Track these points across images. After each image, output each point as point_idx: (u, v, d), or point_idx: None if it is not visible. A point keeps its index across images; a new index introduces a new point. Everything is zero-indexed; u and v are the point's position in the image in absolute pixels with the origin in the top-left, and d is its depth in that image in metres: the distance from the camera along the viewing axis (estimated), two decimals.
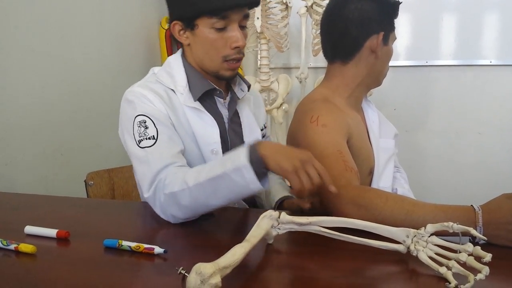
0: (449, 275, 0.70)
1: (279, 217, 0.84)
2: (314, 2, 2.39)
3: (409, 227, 0.88)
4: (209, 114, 1.17)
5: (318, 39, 2.34)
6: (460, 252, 0.73)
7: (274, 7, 2.41)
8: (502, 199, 0.87)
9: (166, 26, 2.71)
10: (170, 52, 2.78)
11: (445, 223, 0.75)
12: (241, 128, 1.27)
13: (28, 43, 1.77)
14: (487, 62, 2.55)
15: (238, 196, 0.94)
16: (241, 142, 1.26)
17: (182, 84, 1.17)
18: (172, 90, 1.17)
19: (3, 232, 0.95)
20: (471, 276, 0.67)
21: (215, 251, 0.87)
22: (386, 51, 1.26)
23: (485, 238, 0.76)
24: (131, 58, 2.48)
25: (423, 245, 0.76)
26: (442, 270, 0.71)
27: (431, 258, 0.74)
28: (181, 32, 1.16)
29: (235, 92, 1.26)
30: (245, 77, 1.92)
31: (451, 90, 2.64)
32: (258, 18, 2.37)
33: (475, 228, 0.85)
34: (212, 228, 1.01)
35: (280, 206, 1.26)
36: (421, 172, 2.69)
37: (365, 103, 1.38)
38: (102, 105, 2.13)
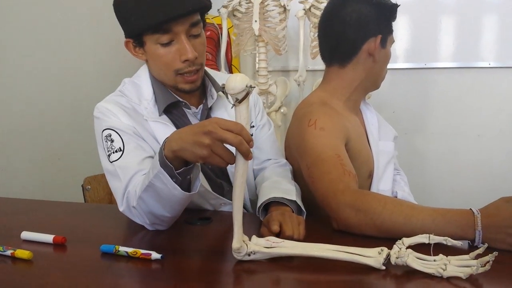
0: (451, 270, 0.71)
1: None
2: (312, 5, 2.39)
3: (408, 231, 0.88)
4: (173, 128, 1.14)
5: (316, 42, 2.33)
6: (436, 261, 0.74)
7: (272, 10, 2.41)
8: (501, 202, 0.87)
9: None
10: None
11: (422, 235, 0.77)
12: None
13: (25, 48, 1.77)
14: (485, 64, 2.54)
15: (176, 203, 0.91)
16: None
17: (147, 98, 1.15)
18: (137, 104, 1.15)
19: None
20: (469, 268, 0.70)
21: (212, 256, 0.87)
22: (384, 54, 1.25)
23: (461, 242, 0.78)
24: (129, 62, 2.46)
25: (406, 255, 0.74)
26: (440, 270, 0.71)
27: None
28: (136, 49, 1.14)
29: (207, 100, 1.22)
30: None
31: (450, 93, 2.64)
32: (256, 21, 2.36)
33: (474, 232, 0.84)
34: (209, 233, 1.01)
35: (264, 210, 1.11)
36: (420, 174, 2.68)
37: (363, 106, 1.38)
38: None
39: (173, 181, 0.86)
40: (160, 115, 1.14)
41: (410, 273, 0.74)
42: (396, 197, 1.35)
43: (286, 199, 1.07)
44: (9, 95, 1.69)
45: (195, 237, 0.97)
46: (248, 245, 0.79)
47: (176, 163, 0.85)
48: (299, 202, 1.10)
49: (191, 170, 0.90)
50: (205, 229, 1.02)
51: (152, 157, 1.08)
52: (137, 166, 1.03)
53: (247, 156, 0.77)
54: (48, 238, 0.90)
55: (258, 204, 1.09)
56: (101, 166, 1.08)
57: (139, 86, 1.18)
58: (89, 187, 1.51)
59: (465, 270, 0.71)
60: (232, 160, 0.78)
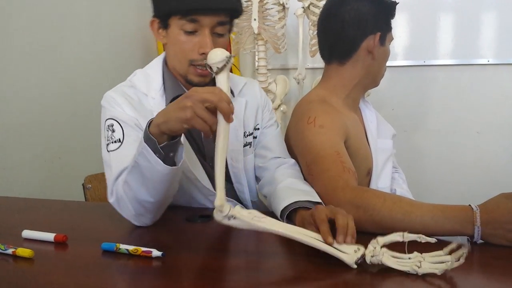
0: (426, 267, 0.71)
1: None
2: (311, 3, 2.39)
3: (407, 227, 0.88)
4: None
5: (315, 40, 2.33)
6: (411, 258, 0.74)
7: (271, 8, 2.41)
8: (500, 198, 0.87)
9: None
10: None
11: (396, 233, 0.76)
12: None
13: (24, 46, 1.77)
14: (484, 61, 2.54)
15: (158, 182, 0.92)
16: None
17: (156, 88, 1.16)
18: (145, 94, 1.16)
19: (0, 236, 0.95)
20: (446, 263, 0.70)
21: (213, 254, 0.88)
22: (383, 51, 1.26)
23: (434, 239, 0.75)
24: (129, 60, 2.47)
25: (381, 254, 0.74)
26: (415, 267, 0.71)
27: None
28: (159, 30, 1.14)
29: None
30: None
31: (449, 90, 2.64)
32: (255, 19, 2.36)
33: (474, 228, 0.85)
34: (209, 230, 1.01)
35: (290, 216, 1.01)
36: (419, 172, 2.68)
37: (362, 104, 1.38)
38: (99, 107, 2.12)
39: (157, 156, 0.87)
40: (166, 105, 1.14)
41: (386, 271, 0.73)
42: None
43: (311, 202, 1.00)
44: (9, 93, 1.70)
45: (196, 234, 0.98)
46: (231, 210, 0.79)
47: (160, 140, 0.87)
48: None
49: (175, 145, 0.91)
50: (206, 227, 1.02)
51: None
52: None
53: (227, 116, 0.80)
54: (49, 236, 0.91)
55: (282, 206, 1.01)
56: (101, 164, 1.08)
57: (150, 76, 1.19)
58: (90, 185, 1.52)
59: (440, 266, 0.70)
60: (214, 122, 0.81)
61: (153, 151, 0.87)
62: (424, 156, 2.71)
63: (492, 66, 2.55)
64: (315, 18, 2.30)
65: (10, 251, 0.83)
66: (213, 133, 0.82)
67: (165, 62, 1.21)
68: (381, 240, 0.76)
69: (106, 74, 2.21)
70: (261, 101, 1.32)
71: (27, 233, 0.93)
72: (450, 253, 0.71)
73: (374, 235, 0.78)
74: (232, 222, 0.79)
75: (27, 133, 1.77)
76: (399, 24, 2.61)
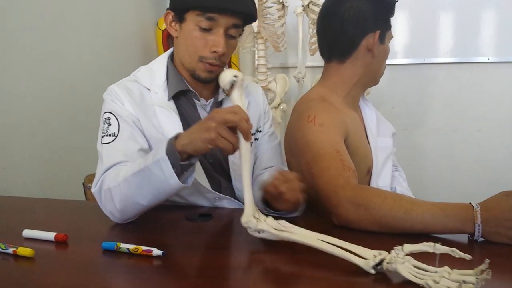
0: (444, 283, 0.64)
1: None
2: (311, 1, 2.39)
3: (407, 225, 0.89)
4: (176, 116, 1.15)
5: (315, 38, 2.32)
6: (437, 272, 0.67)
7: (271, 7, 2.41)
8: (500, 196, 0.87)
9: (163, 27, 2.71)
10: None
11: (427, 243, 0.71)
12: None
13: (24, 45, 1.77)
14: (485, 59, 2.54)
15: (162, 193, 0.94)
16: None
17: (159, 82, 1.17)
18: (148, 89, 1.17)
19: (1, 235, 0.95)
20: (464, 284, 0.62)
21: (213, 252, 0.88)
22: (382, 49, 1.26)
23: (469, 256, 0.68)
24: (128, 59, 2.47)
25: (400, 262, 0.69)
26: (430, 283, 0.65)
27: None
28: (173, 23, 1.16)
29: (218, 95, 1.24)
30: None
31: (449, 88, 2.64)
32: None
33: (474, 226, 0.85)
34: (210, 229, 1.01)
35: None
36: (420, 170, 2.68)
37: (362, 102, 1.38)
38: (99, 107, 2.12)
39: (173, 170, 0.89)
40: (168, 100, 1.16)
41: (403, 282, 0.69)
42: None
43: None
44: (9, 93, 1.69)
45: (196, 233, 0.98)
46: (259, 223, 0.85)
47: (181, 157, 0.91)
48: None
49: (193, 165, 0.94)
50: (206, 225, 1.02)
51: (143, 149, 1.09)
52: (122, 157, 1.04)
53: (246, 135, 0.88)
54: (50, 235, 0.91)
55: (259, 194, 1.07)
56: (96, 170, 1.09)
57: (153, 71, 1.20)
58: (90, 185, 1.51)
59: (455, 285, 0.64)
60: (236, 141, 0.87)
61: (171, 164, 0.90)
62: (424, 155, 2.71)
63: (492, 64, 2.55)
64: (315, 17, 2.31)
65: (11, 250, 0.83)
66: (235, 151, 0.88)
67: (171, 58, 1.22)
68: (408, 248, 0.72)
69: (106, 74, 2.21)
70: (264, 108, 1.35)
71: (27, 233, 0.93)
72: (482, 272, 0.64)
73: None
74: (262, 235, 0.85)
75: (27, 132, 1.77)
76: (399, 22, 2.61)
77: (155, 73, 1.19)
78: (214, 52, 1.10)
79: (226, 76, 0.93)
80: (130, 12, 2.52)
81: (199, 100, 1.21)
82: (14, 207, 1.25)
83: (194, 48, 1.11)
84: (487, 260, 0.62)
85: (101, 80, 2.16)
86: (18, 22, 1.74)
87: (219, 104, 1.24)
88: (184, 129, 1.13)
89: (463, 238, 0.89)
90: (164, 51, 2.72)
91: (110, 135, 1.08)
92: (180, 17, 1.12)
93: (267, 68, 2.55)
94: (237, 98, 0.92)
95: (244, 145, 0.89)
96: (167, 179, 0.90)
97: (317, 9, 2.32)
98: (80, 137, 2.04)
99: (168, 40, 2.76)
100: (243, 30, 1.18)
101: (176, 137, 0.92)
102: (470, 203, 0.87)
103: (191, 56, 1.13)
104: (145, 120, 1.13)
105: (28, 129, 1.78)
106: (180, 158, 0.90)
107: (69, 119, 1.98)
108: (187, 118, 1.19)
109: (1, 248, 0.84)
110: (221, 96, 1.24)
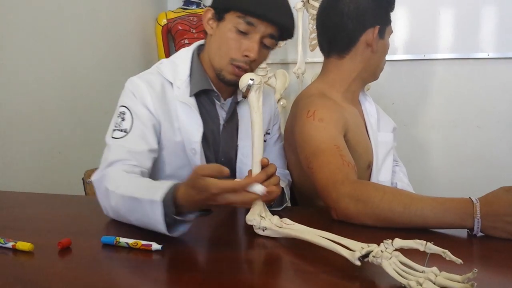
0: (427, 286, 0.61)
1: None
2: None
3: (407, 220, 0.89)
4: (197, 113, 1.15)
5: (315, 34, 2.32)
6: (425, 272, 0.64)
7: None
8: (500, 191, 0.87)
9: (163, 23, 2.70)
10: (167, 49, 2.77)
11: (419, 241, 0.67)
12: (238, 131, 1.25)
13: (24, 42, 1.77)
14: (484, 55, 2.54)
15: (150, 227, 0.87)
16: (234, 144, 1.25)
17: (182, 77, 1.16)
18: (170, 82, 1.16)
19: (0, 230, 0.95)
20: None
21: (213, 247, 0.88)
22: (382, 45, 1.26)
23: (460, 260, 0.64)
24: (128, 55, 2.47)
25: (387, 257, 0.67)
26: (412, 284, 0.62)
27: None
28: (210, 21, 1.15)
29: (237, 95, 1.24)
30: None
31: (449, 84, 2.64)
32: None
33: (473, 220, 0.85)
34: (210, 224, 1.01)
35: None
36: (420, 165, 2.69)
37: (362, 97, 1.38)
38: (99, 102, 2.13)
39: (163, 219, 0.82)
40: (190, 96, 1.15)
41: (385, 277, 0.66)
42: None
43: None
44: (8, 89, 1.69)
45: (195, 227, 0.97)
46: (262, 221, 0.88)
47: (177, 210, 0.84)
48: (286, 191, 1.14)
49: (187, 222, 0.86)
50: (205, 220, 1.02)
51: (152, 150, 1.08)
52: (129, 155, 1.04)
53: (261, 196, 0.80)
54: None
55: None
56: (101, 159, 1.08)
57: (177, 65, 1.19)
58: (90, 180, 1.51)
59: None
60: (248, 201, 0.81)
61: (164, 212, 0.82)
62: (424, 150, 2.71)
63: (492, 60, 2.55)
64: (315, 12, 2.30)
65: (10, 244, 0.83)
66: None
67: (197, 54, 1.21)
68: (398, 242, 0.68)
69: (106, 69, 2.21)
70: (274, 110, 1.36)
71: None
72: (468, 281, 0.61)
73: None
74: (266, 233, 0.88)
75: (27, 128, 1.77)
76: (399, 18, 2.60)
77: (178, 67, 1.18)
78: (246, 56, 1.09)
79: (244, 78, 0.94)
80: (130, 7, 2.52)
81: (219, 101, 1.21)
82: (13, 202, 1.25)
83: (227, 48, 1.10)
84: (475, 270, 0.59)
85: (100, 75, 2.16)
86: (17, 20, 1.73)
87: (236, 104, 1.24)
88: (204, 126, 1.14)
89: (463, 233, 0.89)
90: (164, 47, 2.75)
91: (121, 130, 1.07)
92: (219, 16, 1.12)
93: (267, 64, 2.55)
94: (254, 101, 0.92)
95: (257, 139, 0.90)
96: (155, 222, 0.83)
97: (317, 5, 2.31)
98: (79, 132, 2.04)
99: (167, 35, 2.75)
100: (276, 44, 1.16)
101: (178, 188, 0.83)
102: (469, 197, 0.88)
103: (222, 56, 1.12)
104: (165, 114, 1.12)
105: (28, 124, 1.78)
106: (174, 211, 0.82)
107: (69, 115, 1.98)
108: (207, 116, 1.19)
109: (0, 243, 0.84)
110: (239, 97, 1.23)
